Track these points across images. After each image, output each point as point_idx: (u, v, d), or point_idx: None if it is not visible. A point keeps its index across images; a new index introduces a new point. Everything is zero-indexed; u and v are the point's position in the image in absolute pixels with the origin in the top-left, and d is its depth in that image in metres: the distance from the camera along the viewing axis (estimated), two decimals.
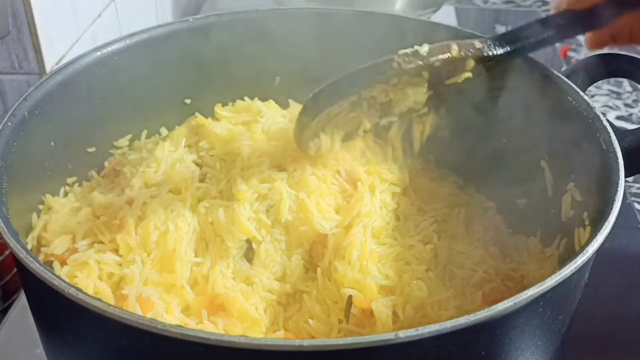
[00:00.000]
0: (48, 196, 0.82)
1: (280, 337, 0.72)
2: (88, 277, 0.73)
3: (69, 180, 0.86)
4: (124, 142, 0.93)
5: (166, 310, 0.72)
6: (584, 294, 0.69)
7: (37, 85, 0.79)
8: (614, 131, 0.72)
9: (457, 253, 0.81)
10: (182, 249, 0.76)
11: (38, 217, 0.80)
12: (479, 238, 0.85)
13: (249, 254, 0.79)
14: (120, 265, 0.75)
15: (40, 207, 0.81)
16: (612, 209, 0.63)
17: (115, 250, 0.77)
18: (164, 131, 0.96)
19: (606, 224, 0.62)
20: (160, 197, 0.80)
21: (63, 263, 0.75)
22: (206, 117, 0.94)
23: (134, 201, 0.79)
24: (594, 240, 0.60)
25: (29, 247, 0.76)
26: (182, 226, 0.77)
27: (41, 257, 0.76)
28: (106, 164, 0.91)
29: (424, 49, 0.78)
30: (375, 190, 0.83)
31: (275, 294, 0.77)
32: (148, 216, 0.77)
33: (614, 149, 0.70)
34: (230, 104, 0.99)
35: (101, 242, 0.78)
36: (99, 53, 0.86)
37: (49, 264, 0.73)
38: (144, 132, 0.95)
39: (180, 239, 0.76)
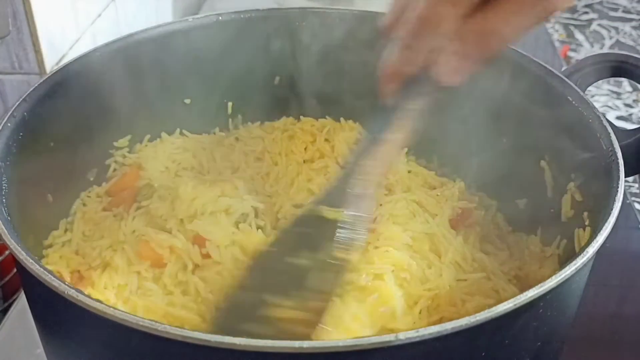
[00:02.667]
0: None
1: None
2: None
3: (69, 180, 0.86)
4: (124, 142, 0.93)
5: None
6: (584, 294, 0.69)
7: (37, 85, 0.78)
8: (614, 131, 0.72)
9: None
10: None
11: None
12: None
13: None
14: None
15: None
16: (612, 209, 0.63)
17: None
18: (164, 134, 0.97)
19: (606, 224, 0.61)
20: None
21: None
22: (206, 119, 0.95)
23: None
24: (594, 240, 0.60)
25: None
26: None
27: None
28: (108, 164, 0.91)
29: None
30: None
31: None
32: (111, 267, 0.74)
33: (614, 149, 0.70)
34: (230, 104, 0.99)
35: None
36: (99, 53, 0.86)
37: None
38: (147, 137, 0.95)
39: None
